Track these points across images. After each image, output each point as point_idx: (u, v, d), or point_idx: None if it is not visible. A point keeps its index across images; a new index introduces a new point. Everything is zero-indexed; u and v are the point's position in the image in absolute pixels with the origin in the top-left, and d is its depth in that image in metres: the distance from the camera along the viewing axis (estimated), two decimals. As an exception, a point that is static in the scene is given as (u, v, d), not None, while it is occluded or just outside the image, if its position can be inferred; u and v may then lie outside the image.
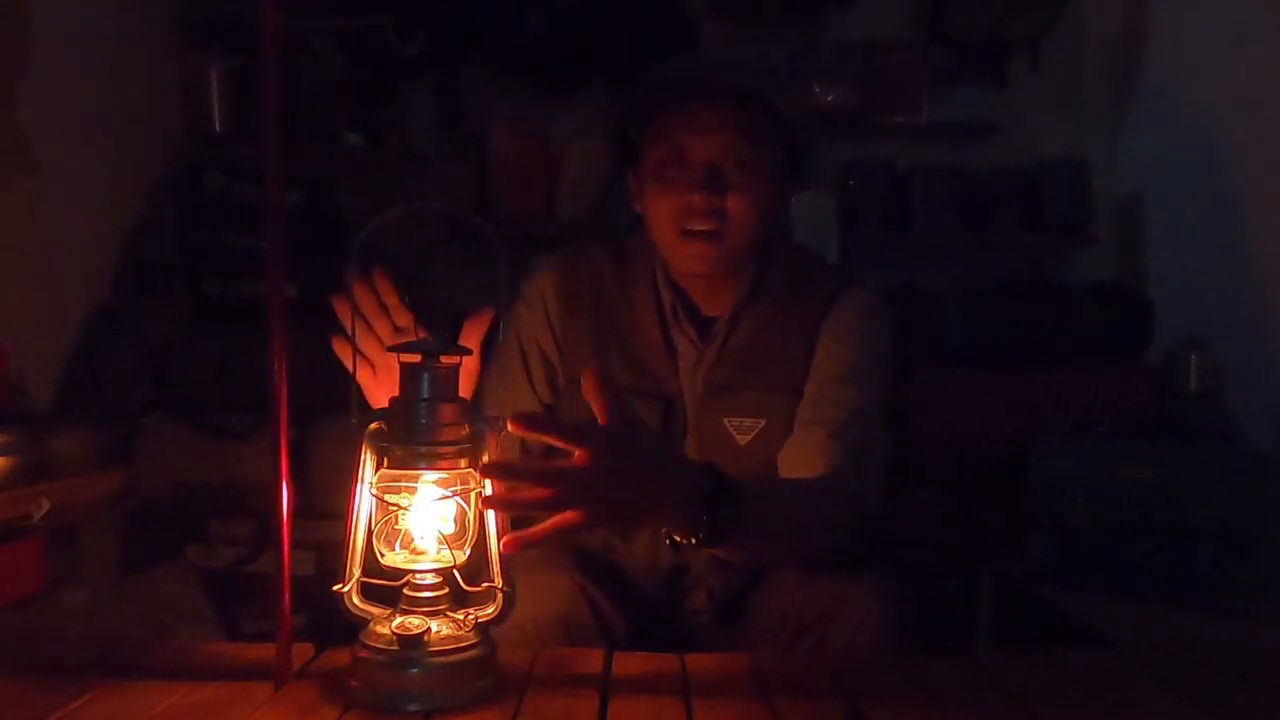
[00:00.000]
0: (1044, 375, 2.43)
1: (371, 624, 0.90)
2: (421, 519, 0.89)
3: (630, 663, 0.99)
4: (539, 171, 2.77)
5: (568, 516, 0.87)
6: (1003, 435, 2.26)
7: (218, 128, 2.58)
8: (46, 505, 1.68)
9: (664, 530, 0.99)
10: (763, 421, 1.21)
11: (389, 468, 0.89)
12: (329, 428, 2.11)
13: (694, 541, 0.95)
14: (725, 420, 1.22)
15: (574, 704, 0.88)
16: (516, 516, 0.90)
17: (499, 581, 0.89)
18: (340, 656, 0.96)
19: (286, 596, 0.89)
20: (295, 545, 0.90)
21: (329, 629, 0.95)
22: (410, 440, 0.88)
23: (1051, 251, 2.90)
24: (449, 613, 0.89)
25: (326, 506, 2.16)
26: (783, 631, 1.12)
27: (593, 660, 0.98)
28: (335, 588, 0.90)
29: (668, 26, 2.79)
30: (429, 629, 0.87)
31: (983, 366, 2.45)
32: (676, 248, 1.20)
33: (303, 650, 0.98)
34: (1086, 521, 2.01)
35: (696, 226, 1.17)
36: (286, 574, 0.89)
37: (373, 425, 0.90)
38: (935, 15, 2.91)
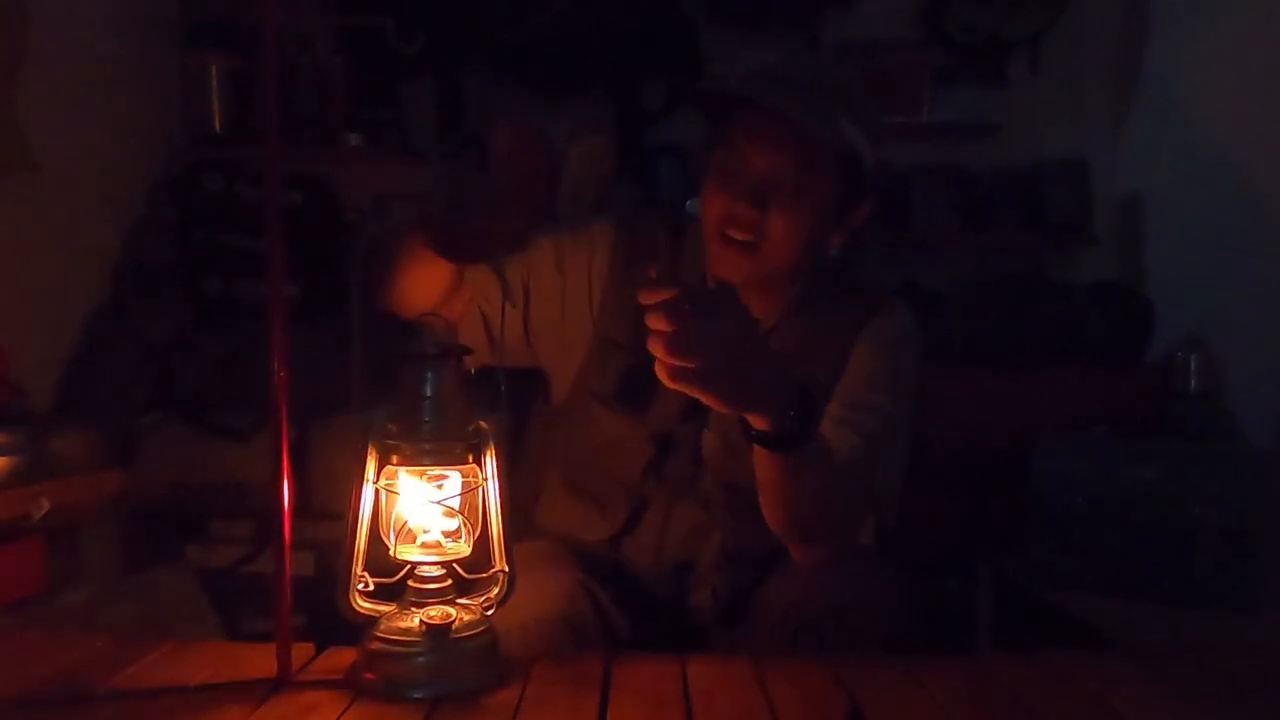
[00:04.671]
0: (1044, 375, 2.43)
1: (384, 619, 0.91)
2: (428, 514, 0.92)
3: (630, 663, 0.99)
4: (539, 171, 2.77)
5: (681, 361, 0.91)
6: (1003, 435, 2.26)
7: (218, 128, 2.57)
8: (46, 505, 1.68)
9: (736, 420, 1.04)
10: None
11: (396, 465, 0.91)
12: (329, 428, 2.11)
13: (771, 432, 1.00)
14: None
15: (574, 704, 0.88)
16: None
17: (503, 565, 0.93)
18: (340, 656, 0.96)
19: (287, 596, 0.89)
20: (295, 545, 0.90)
21: (329, 629, 0.96)
22: (415, 438, 0.90)
23: (1051, 251, 2.90)
24: (458, 601, 0.92)
25: (326, 506, 2.16)
26: (784, 628, 1.12)
27: (593, 660, 0.98)
28: (341, 592, 0.91)
29: (667, 27, 2.79)
30: (454, 618, 0.89)
31: (983, 366, 2.45)
32: (714, 249, 1.20)
33: (303, 650, 0.98)
34: (1086, 521, 2.01)
35: (735, 235, 1.17)
36: (287, 574, 0.89)
37: (377, 424, 0.91)
38: (935, 15, 2.91)
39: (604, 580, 1.19)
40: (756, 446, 1.04)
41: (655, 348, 0.93)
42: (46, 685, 0.91)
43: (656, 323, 0.92)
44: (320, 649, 0.99)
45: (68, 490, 1.78)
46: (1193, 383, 2.46)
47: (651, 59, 2.80)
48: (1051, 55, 2.93)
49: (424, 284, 1.12)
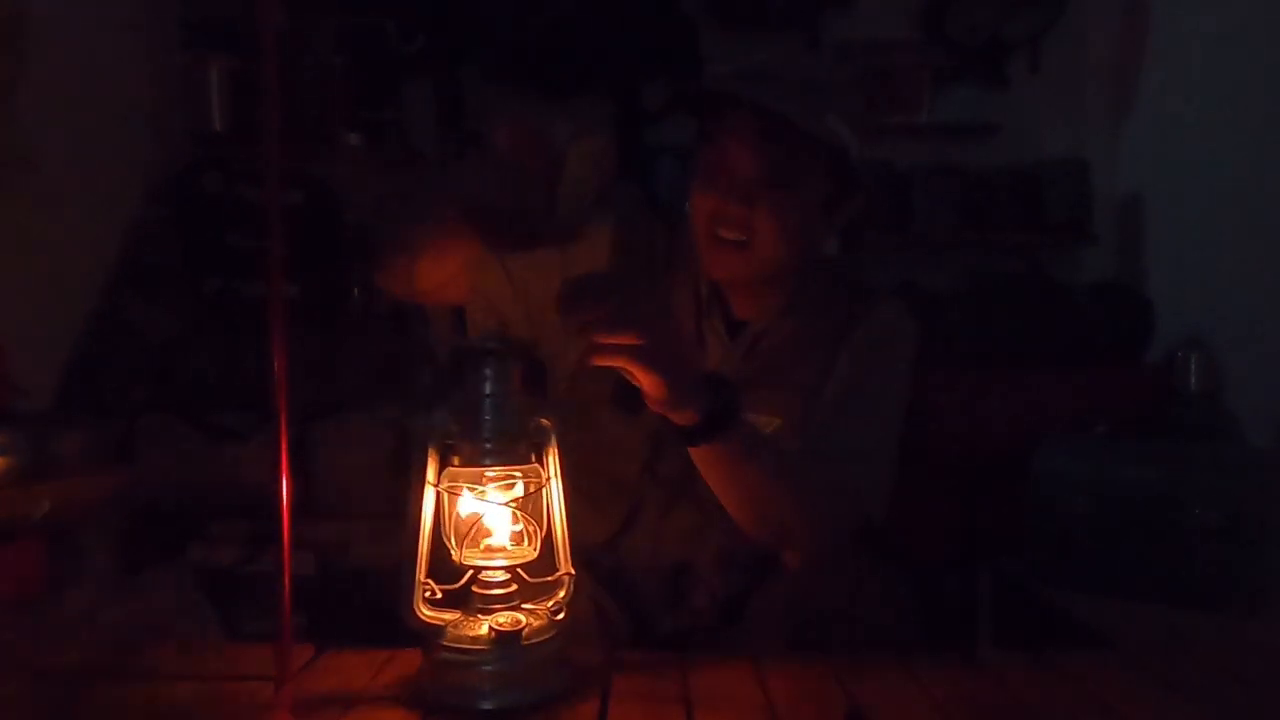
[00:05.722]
0: (1044, 375, 2.43)
1: (449, 628, 0.89)
2: (494, 515, 0.89)
3: (630, 663, 0.99)
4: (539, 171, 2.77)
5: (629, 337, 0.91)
6: (1003, 435, 2.26)
7: (218, 127, 2.58)
8: (46, 505, 1.68)
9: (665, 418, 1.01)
10: (777, 420, 1.20)
11: (457, 466, 0.89)
12: (329, 428, 2.12)
13: (694, 427, 0.99)
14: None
15: (574, 704, 0.88)
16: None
17: (568, 568, 0.90)
18: (340, 658, 0.96)
19: (286, 596, 0.89)
20: (295, 545, 0.90)
21: (329, 629, 0.95)
22: (476, 437, 0.88)
23: (1051, 251, 2.90)
24: (525, 606, 0.90)
25: (327, 506, 2.16)
26: (783, 629, 1.12)
27: (593, 660, 0.98)
28: (405, 600, 0.89)
29: (667, 27, 2.79)
30: (524, 624, 0.87)
31: (983, 366, 2.45)
32: (705, 250, 1.20)
33: (303, 650, 0.98)
34: (1086, 521, 2.00)
35: (725, 234, 1.17)
36: (286, 574, 0.89)
37: (436, 423, 0.89)
38: (935, 15, 2.91)
39: (603, 581, 1.19)
40: (694, 450, 1.03)
41: (593, 332, 0.91)
42: (47, 685, 0.91)
43: (589, 307, 0.90)
44: (320, 649, 0.99)
45: (68, 490, 1.78)
46: (1193, 383, 2.47)
47: (651, 59, 2.80)
48: (1051, 55, 2.93)
49: (429, 267, 1.13)
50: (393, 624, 0.92)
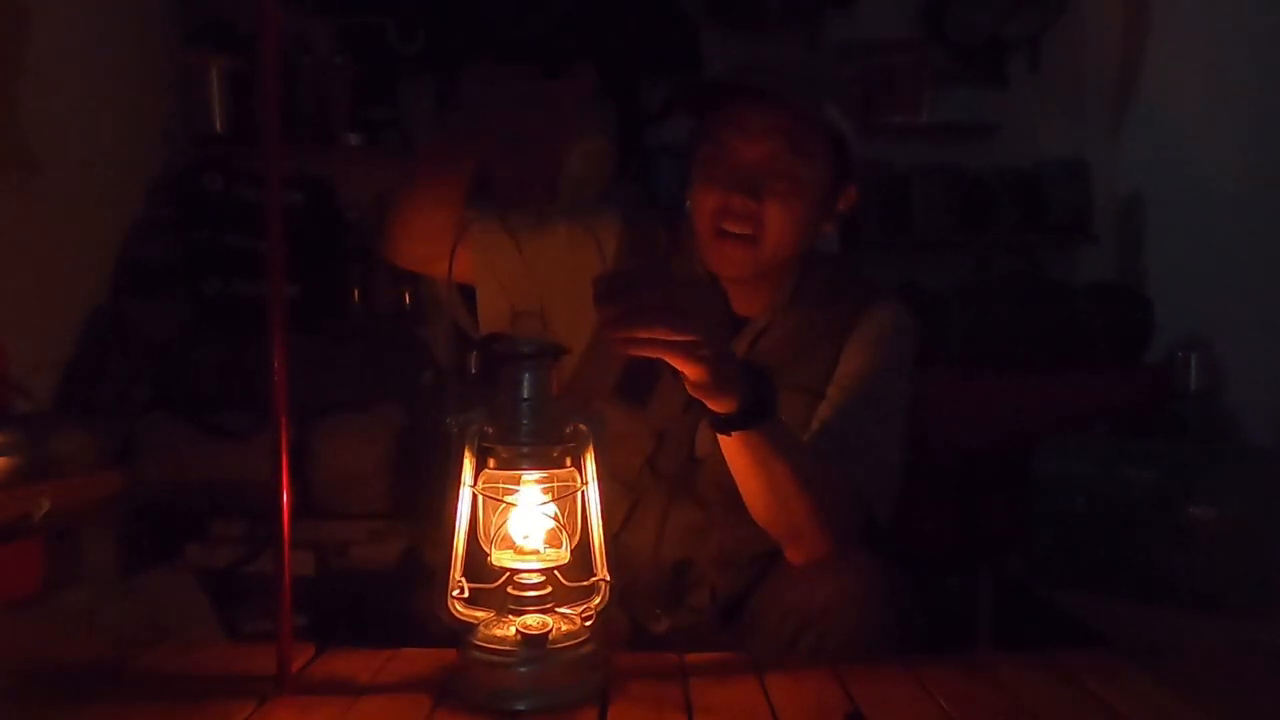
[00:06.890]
0: (1044, 375, 2.43)
1: (480, 627, 0.89)
2: (529, 519, 0.89)
3: (630, 662, 0.99)
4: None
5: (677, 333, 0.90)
6: (1003, 435, 2.26)
7: (218, 128, 2.58)
8: (46, 505, 1.68)
9: (697, 407, 1.02)
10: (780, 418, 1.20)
11: (493, 469, 0.89)
12: (329, 427, 2.12)
13: (731, 416, 0.98)
14: None
15: (574, 705, 0.87)
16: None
17: (604, 574, 0.91)
18: (340, 657, 0.96)
19: (286, 596, 0.89)
20: (295, 545, 0.90)
21: (329, 629, 0.95)
22: (513, 441, 0.88)
23: (1051, 251, 2.90)
24: (558, 610, 0.90)
25: (326, 506, 2.16)
26: (783, 629, 1.12)
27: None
28: (438, 596, 0.89)
29: (667, 27, 2.79)
30: (551, 627, 0.87)
31: (983, 366, 2.45)
32: (711, 246, 1.20)
33: (303, 650, 0.98)
34: (1086, 521, 2.00)
35: (732, 228, 1.17)
36: (286, 574, 0.89)
37: (473, 426, 0.89)
38: (935, 15, 2.91)
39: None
40: (725, 437, 1.03)
41: (638, 324, 0.89)
42: (46, 685, 0.91)
43: (637, 296, 0.89)
44: (320, 649, 0.99)
45: (68, 490, 1.78)
46: (1193, 383, 2.46)
47: (651, 59, 2.80)
48: (1051, 55, 2.93)
49: (426, 230, 1.12)
50: (393, 623, 0.92)
